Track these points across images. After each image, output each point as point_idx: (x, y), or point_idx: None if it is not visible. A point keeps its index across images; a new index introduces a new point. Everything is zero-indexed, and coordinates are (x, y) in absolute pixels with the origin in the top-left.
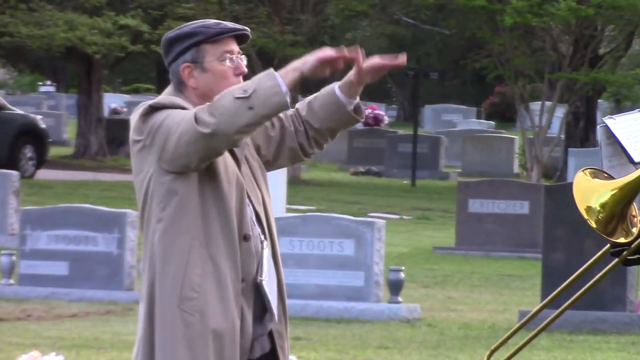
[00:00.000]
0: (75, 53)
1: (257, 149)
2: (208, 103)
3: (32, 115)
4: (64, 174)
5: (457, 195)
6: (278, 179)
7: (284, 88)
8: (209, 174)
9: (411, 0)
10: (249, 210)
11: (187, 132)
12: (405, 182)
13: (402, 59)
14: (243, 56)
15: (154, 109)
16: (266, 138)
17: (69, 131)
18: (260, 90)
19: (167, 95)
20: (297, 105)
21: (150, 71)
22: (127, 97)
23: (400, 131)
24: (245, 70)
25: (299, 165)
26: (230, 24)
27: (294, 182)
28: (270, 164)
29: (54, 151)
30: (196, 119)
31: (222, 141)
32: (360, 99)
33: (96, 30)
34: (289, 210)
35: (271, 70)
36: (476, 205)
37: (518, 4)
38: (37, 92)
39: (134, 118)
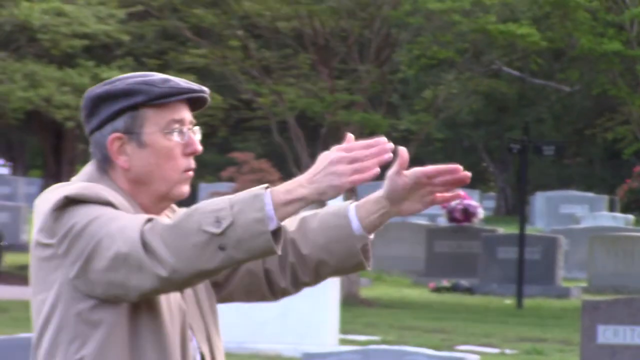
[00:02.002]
0: (38, 120)
1: None
2: (165, 223)
3: None
4: (24, 291)
5: (581, 319)
6: (328, 297)
7: (273, 224)
8: (145, 301)
9: (516, 45)
10: (192, 349)
11: (129, 257)
12: (508, 301)
13: (464, 174)
14: (197, 128)
15: (71, 203)
16: None
17: (30, 230)
18: (239, 224)
19: (86, 183)
20: (286, 221)
21: None
22: None
23: (501, 229)
24: (199, 148)
25: (357, 278)
26: (183, 82)
27: (350, 302)
28: (218, 292)
29: (9, 259)
30: (145, 245)
31: (175, 285)
32: None
33: (68, 88)
34: (343, 341)
35: (261, 192)
36: (608, 334)
37: None
38: None
39: (41, 210)
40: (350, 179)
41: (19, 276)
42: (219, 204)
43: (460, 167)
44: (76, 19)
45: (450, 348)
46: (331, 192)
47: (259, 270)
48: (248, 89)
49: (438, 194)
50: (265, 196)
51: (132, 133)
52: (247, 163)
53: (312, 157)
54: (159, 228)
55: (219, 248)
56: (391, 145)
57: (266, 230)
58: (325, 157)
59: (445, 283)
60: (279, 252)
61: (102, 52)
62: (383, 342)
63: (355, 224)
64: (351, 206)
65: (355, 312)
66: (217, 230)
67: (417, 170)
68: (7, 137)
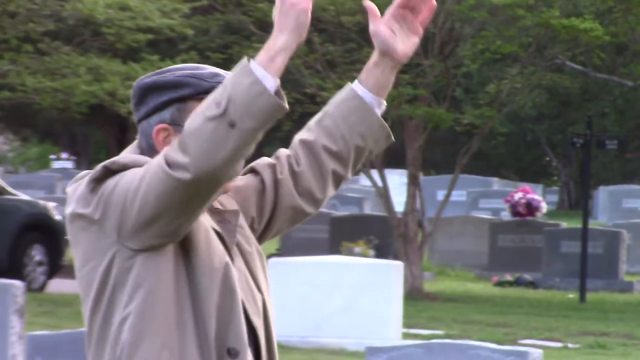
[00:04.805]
0: (102, 114)
1: (252, 224)
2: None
3: (43, 202)
4: None
5: None
6: (392, 292)
7: (271, 82)
8: (182, 253)
9: (579, 39)
10: (242, 320)
11: (157, 183)
12: (571, 295)
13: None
14: None
15: (109, 172)
16: (259, 204)
17: None
18: (236, 96)
19: (127, 154)
20: (299, 135)
21: None
22: None
23: (565, 224)
24: None
25: (420, 273)
26: None
27: (413, 296)
28: (263, 237)
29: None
30: (167, 163)
31: (209, 183)
32: (506, 176)
33: (132, 82)
34: (406, 335)
35: (244, 61)
36: None
37: None
38: (49, 169)
39: (77, 187)
40: (305, 2)
41: None
42: (214, 93)
43: None
44: (140, 13)
45: (513, 342)
46: (303, 22)
47: (294, 200)
48: (312, 83)
49: (419, 18)
50: (249, 62)
51: (178, 125)
52: None
53: None
54: (173, 144)
55: (229, 127)
56: None
57: (263, 87)
58: (275, 9)
59: (508, 277)
60: (287, 108)
61: (167, 47)
62: (446, 336)
63: (368, 98)
64: (355, 84)
65: (419, 306)
66: (219, 111)
67: (391, 10)
68: (71, 131)
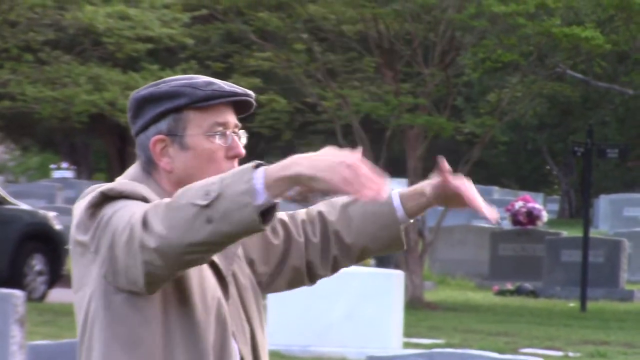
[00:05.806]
0: (102, 123)
1: (250, 264)
2: (166, 200)
3: (43, 211)
4: None
5: None
6: (392, 301)
7: (260, 198)
8: (177, 295)
9: (580, 48)
10: (234, 351)
11: (133, 238)
12: (571, 304)
13: (494, 213)
14: (242, 131)
15: (106, 198)
16: (264, 250)
17: None
18: (225, 196)
19: (124, 180)
20: (321, 207)
21: None
22: None
23: (565, 232)
24: (242, 151)
25: (421, 283)
26: (228, 86)
27: (414, 305)
28: (262, 287)
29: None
30: (144, 223)
31: (169, 260)
32: (506, 185)
33: (132, 91)
34: (407, 345)
35: (250, 165)
36: None
37: None
38: (49, 179)
39: (79, 208)
40: (345, 187)
41: None
42: (212, 179)
43: (494, 213)
44: (140, 22)
45: (514, 351)
46: (323, 185)
47: (301, 265)
48: (313, 93)
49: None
50: (255, 170)
51: (175, 135)
52: None
53: (377, 161)
54: (159, 206)
55: (206, 221)
56: (387, 194)
57: (250, 202)
58: (337, 154)
59: (509, 286)
60: (266, 229)
61: (167, 56)
62: (447, 345)
63: (401, 213)
64: (395, 194)
65: (420, 315)
66: (204, 203)
67: (460, 187)
68: (71, 141)
